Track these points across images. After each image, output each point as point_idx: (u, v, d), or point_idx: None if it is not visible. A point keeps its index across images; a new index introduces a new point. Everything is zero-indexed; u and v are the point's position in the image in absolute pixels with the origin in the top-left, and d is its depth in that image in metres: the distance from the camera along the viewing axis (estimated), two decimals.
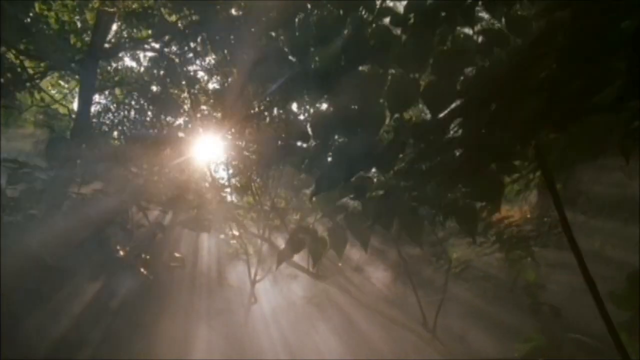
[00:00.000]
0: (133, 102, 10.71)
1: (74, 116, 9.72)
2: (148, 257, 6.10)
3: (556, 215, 5.93)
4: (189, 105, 9.39)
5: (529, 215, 5.57)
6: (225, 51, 8.75)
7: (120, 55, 10.95)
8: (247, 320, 9.10)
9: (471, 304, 6.52)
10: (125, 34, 9.63)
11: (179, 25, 8.33)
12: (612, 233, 6.49)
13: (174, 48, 8.61)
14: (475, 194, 1.77)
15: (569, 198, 6.10)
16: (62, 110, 11.29)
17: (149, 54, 9.93)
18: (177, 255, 6.62)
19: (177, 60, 8.68)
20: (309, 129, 1.46)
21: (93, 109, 10.17)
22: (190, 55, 8.66)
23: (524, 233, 4.88)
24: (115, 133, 10.42)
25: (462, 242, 6.87)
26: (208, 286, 9.74)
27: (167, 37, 8.34)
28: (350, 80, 1.41)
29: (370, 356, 7.92)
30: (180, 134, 9.73)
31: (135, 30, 9.46)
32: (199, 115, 9.33)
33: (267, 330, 9.81)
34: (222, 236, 9.58)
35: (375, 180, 1.98)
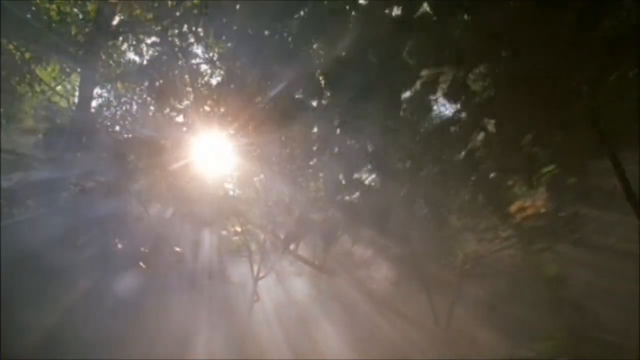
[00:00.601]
0: (135, 97, 10.54)
1: (74, 108, 9.59)
2: (147, 250, 5.94)
3: (571, 210, 5.74)
4: (192, 99, 9.22)
5: (542, 210, 5.35)
6: (229, 44, 8.56)
7: (123, 48, 10.79)
8: (249, 318, 8.92)
9: (482, 300, 6.32)
10: (126, 17, 9.48)
11: (180, 7, 8.14)
12: (626, 228, 6.32)
13: (175, 33, 8.42)
14: (506, 167, 1.59)
15: (584, 193, 5.91)
16: (62, 104, 11.14)
17: (152, 39, 9.77)
18: (177, 249, 6.45)
19: (178, 44, 8.48)
20: (322, 79, 1.27)
21: (95, 102, 10.01)
22: (192, 40, 8.47)
23: (540, 228, 4.69)
24: (117, 127, 10.25)
25: (471, 239, 6.68)
26: (209, 283, 9.56)
27: (168, 21, 8.16)
28: (369, 26, 1.23)
29: (377, 354, 7.72)
30: (184, 129, 9.58)
31: (136, 14, 9.28)
32: (201, 109, 9.15)
33: (269, 329, 9.62)
34: (224, 232, 9.40)
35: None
